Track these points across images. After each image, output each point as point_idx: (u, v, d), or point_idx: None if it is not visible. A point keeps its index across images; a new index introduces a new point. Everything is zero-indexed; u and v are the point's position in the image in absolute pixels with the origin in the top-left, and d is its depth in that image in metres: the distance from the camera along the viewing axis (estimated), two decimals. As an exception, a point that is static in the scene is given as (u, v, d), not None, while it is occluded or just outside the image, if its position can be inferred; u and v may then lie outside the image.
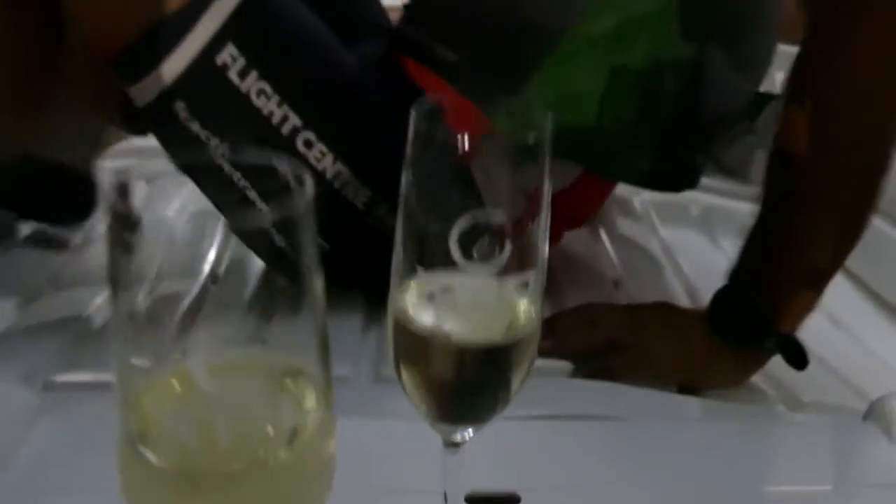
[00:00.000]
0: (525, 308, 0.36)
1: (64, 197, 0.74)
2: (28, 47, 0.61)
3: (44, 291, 0.79)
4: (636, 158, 0.70)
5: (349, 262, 0.63)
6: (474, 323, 0.36)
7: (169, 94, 0.60)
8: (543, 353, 0.55)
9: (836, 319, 0.82)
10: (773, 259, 0.60)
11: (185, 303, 0.32)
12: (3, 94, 0.63)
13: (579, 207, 0.81)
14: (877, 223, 0.81)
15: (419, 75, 0.71)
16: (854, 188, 0.57)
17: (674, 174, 0.73)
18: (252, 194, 0.52)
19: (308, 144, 0.63)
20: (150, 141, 0.70)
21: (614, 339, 0.64)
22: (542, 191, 0.37)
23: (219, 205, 0.48)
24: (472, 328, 0.36)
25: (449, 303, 0.36)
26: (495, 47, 0.68)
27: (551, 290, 0.77)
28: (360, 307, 0.73)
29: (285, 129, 0.62)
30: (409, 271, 0.36)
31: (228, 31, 0.59)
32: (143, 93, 0.60)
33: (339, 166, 0.64)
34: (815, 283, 0.59)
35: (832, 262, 0.59)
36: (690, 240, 0.96)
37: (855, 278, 0.90)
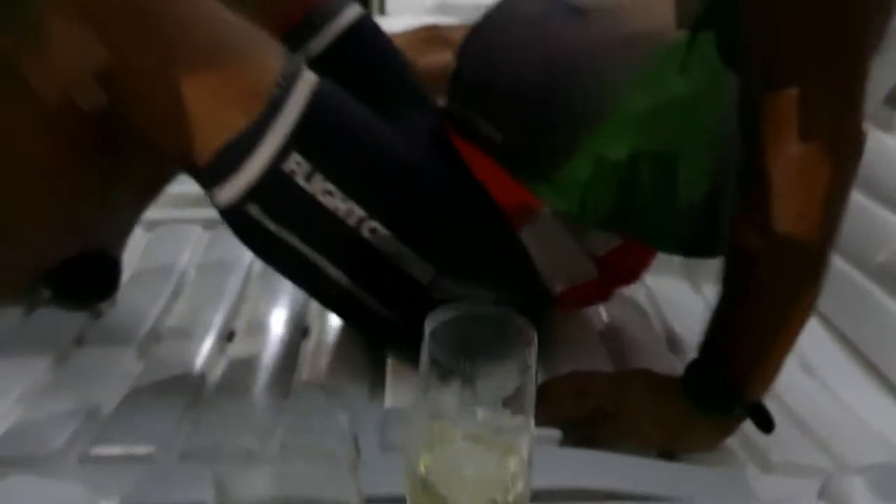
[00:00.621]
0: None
1: (92, 277, 0.81)
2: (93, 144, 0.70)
3: (72, 351, 0.86)
4: (673, 228, 0.77)
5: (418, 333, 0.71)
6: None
7: (244, 200, 0.68)
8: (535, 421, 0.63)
9: (809, 367, 0.89)
10: (734, 338, 0.68)
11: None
12: (70, 190, 0.71)
13: (629, 266, 0.88)
14: (850, 272, 0.87)
15: (466, 151, 0.79)
16: (796, 281, 0.66)
17: (709, 241, 0.79)
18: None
19: (373, 231, 0.71)
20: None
21: (601, 408, 0.71)
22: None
23: None
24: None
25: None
26: (536, 128, 0.76)
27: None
28: (366, 374, 0.80)
29: (351, 221, 0.70)
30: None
31: (292, 142, 0.67)
32: (219, 198, 0.69)
33: (403, 247, 0.72)
34: (774, 358, 0.68)
35: (784, 342, 0.67)
36: (673, 287, 1.02)
37: (829, 325, 0.96)
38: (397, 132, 0.78)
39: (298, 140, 0.67)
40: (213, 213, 0.72)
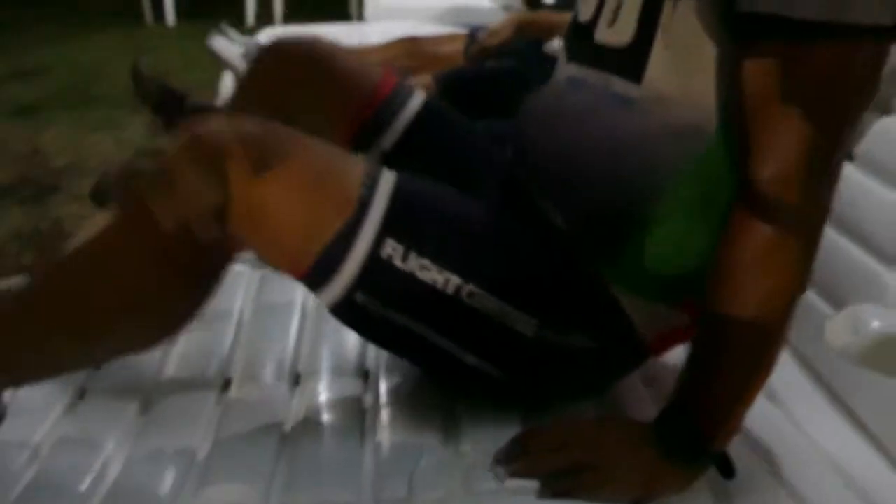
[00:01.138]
0: None
1: None
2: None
3: (154, 396, 0.93)
4: None
5: (522, 384, 0.81)
6: None
7: (350, 292, 0.76)
8: (515, 474, 0.73)
9: (775, 396, 0.94)
10: (703, 396, 0.73)
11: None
12: (163, 314, 0.80)
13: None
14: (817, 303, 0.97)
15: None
16: (761, 347, 0.72)
17: None
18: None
19: (471, 295, 0.77)
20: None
21: (580, 461, 0.75)
22: None
23: None
24: None
25: None
26: (595, 214, 0.82)
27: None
28: (355, 419, 0.86)
29: (450, 289, 0.77)
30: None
31: (385, 231, 0.76)
32: (328, 296, 0.77)
33: (503, 305, 0.78)
34: (739, 413, 0.74)
35: (749, 398, 0.73)
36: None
37: (795, 353, 1.01)
38: (476, 199, 0.86)
39: (390, 228, 0.76)
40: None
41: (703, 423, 0.73)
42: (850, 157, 0.98)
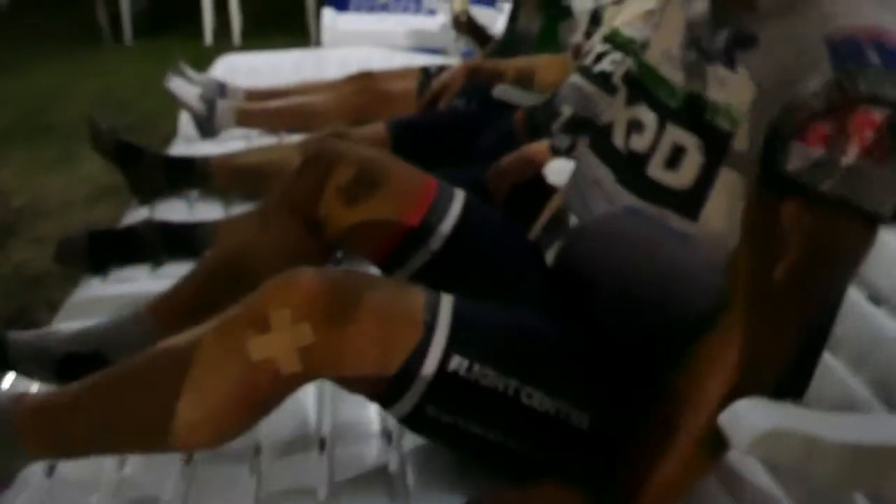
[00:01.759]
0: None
1: None
2: None
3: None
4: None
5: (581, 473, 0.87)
6: None
7: (421, 405, 0.86)
8: None
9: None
10: (636, 488, 0.82)
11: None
12: None
13: None
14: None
15: None
16: (690, 471, 0.82)
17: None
18: None
19: (529, 396, 0.86)
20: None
21: None
22: None
23: None
24: None
25: None
26: (642, 334, 0.93)
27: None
28: (383, 485, 0.94)
29: (510, 392, 0.86)
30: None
31: (450, 349, 0.85)
32: (401, 409, 0.87)
33: (558, 402, 0.87)
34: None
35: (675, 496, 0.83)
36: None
37: None
38: (524, 305, 0.96)
39: (453, 345, 0.85)
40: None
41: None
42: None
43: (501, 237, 1.12)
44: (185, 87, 2.24)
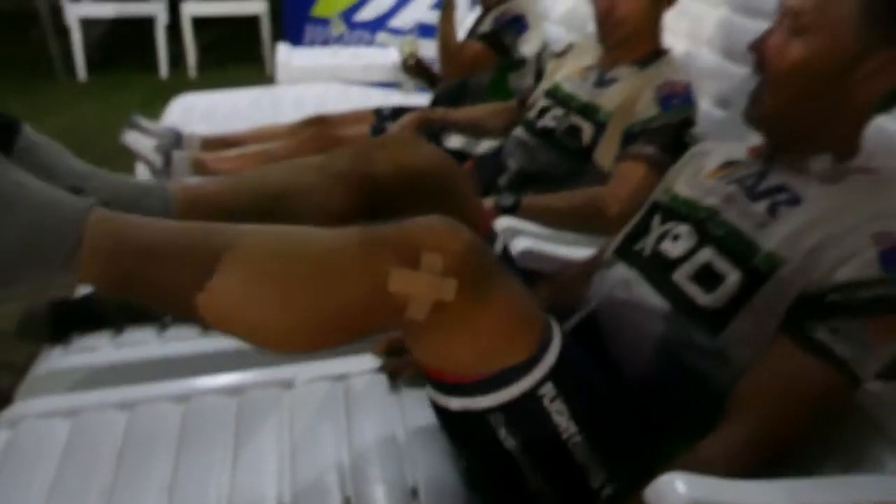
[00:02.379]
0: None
1: None
2: None
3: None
4: None
5: None
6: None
7: (494, 409, 0.86)
8: None
9: None
10: None
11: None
12: None
13: None
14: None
15: None
16: None
17: None
18: None
19: (575, 443, 0.89)
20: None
21: None
22: None
23: None
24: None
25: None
26: (668, 418, 1.00)
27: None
28: None
29: (565, 434, 0.89)
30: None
31: (550, 374, 0.87)
32: (464, 404, 0.87)
33: (590, 454, 0.90)
34: None
35: None
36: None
37: None
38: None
39: (554, 373, 0.87)
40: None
41: None
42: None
43: None
44: (140, 140, 2.27)
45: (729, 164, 1.11)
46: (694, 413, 0.98)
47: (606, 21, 1.65)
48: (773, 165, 1.04)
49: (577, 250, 1.43)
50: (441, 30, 2.38)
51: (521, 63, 2.39)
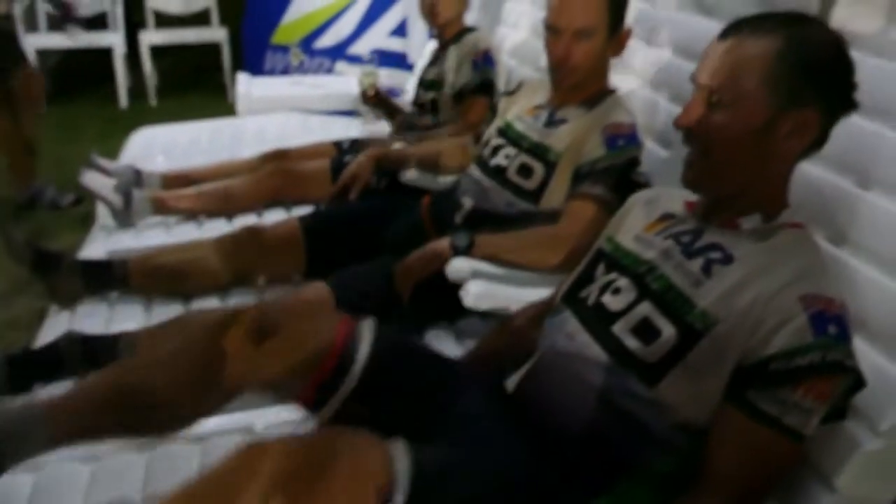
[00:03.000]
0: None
1: None
2: None
3: None
4: None
5: None
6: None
7: None
8: None
9: None
10: None
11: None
12: None
13: None
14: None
15: None
16: None
17: None
18: None
19: None
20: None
21: None
22: None
23: None
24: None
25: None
26: (594, 466, 1.06)
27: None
28: None
29: None
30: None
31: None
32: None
33: None
34: None
35: None
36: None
37: None
38: (468, 421, 1.08)
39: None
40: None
41: None
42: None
43: (416, 357, 1.24)
44: (99, 180, 2.28)
45: (667, 217, 1.17)
46: (634, 458, 1.03)
47: (560, 68, 1.70)
48: (708, 223, 1.11)
49: (531, 291, 1.47)
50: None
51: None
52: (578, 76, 1.71)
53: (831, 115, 1.04)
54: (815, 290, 0.99)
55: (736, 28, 1.04)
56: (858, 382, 1.00)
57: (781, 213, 1.09)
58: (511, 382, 1.18)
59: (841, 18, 1.44)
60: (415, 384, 1.17)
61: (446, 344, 1.68)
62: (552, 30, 1.69)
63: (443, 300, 1.58)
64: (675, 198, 1.19)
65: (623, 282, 1.12)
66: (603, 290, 1.14)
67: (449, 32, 2.56)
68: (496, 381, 1.21)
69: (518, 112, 1.85)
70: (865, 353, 1.07)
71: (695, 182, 1.10)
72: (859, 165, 1.25)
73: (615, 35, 1.70)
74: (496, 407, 1.15)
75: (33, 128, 3.22)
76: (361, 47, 4.15)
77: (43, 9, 4.70)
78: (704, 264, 1.06)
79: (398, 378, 1.16)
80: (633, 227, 1.20)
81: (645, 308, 1.07)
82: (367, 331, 1.17)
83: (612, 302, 1.11)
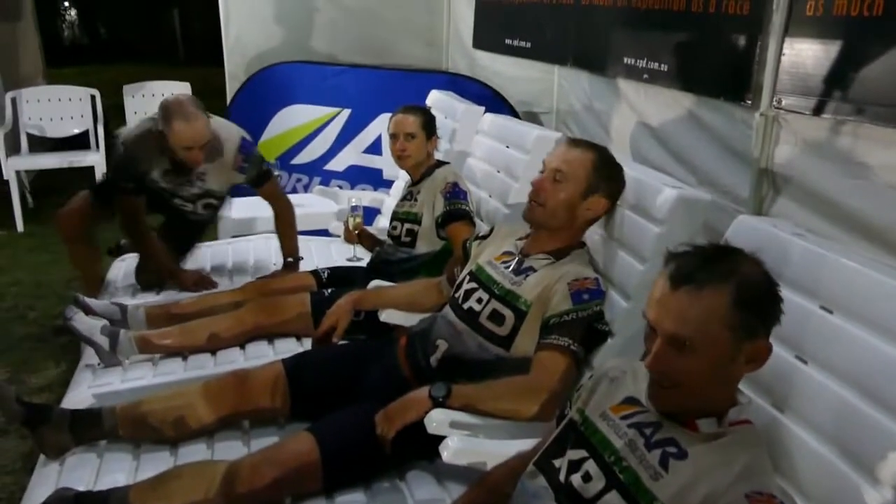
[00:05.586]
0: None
1: None
2: None
3: None
4: None
5: None
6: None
7: None
8: None
9: None
10: None
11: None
12: None
13: None
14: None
15: None
16: None
17: None
18: None
19: None
20: None
21: None
22: None
23: None
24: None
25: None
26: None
27: None
28: None
29: None
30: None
31: None
32: None
33: None
34: None
35: None
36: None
37: None
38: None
39: None
40: None
41: None
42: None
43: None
44: (87, 322, 2.34)
45: (631, 401, 1.29)
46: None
47: (535, 211, 1.87)
48: (666, 418, 1.23)
49: (509, 444, 1.56)
50: None
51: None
52: (556, 220, 1.86)
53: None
54: (760, 488, 1.10)
55: (687, 279, 1.16)
56: None
57: (730, 410, 1.21)
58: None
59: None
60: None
61: (428, 485, 1.75)
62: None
63: (423, 442, 1.65)
64: (640, 377, 1.30)
65: (593, 468, 1.24)
66: (573, 468, 1.25)
67: (417, 173, 2.73)
68: None
69: (488, 257, 1.97)
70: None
71: (665, 406, 1.22)
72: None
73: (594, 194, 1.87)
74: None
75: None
76: (337, 164, 4.30)
77: None
78: (662, 457, 1.18)
79: None
80: (600, 404, 1.32)
81: (613, 498, 1.19)
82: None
83: (583, 489, 1.22)
